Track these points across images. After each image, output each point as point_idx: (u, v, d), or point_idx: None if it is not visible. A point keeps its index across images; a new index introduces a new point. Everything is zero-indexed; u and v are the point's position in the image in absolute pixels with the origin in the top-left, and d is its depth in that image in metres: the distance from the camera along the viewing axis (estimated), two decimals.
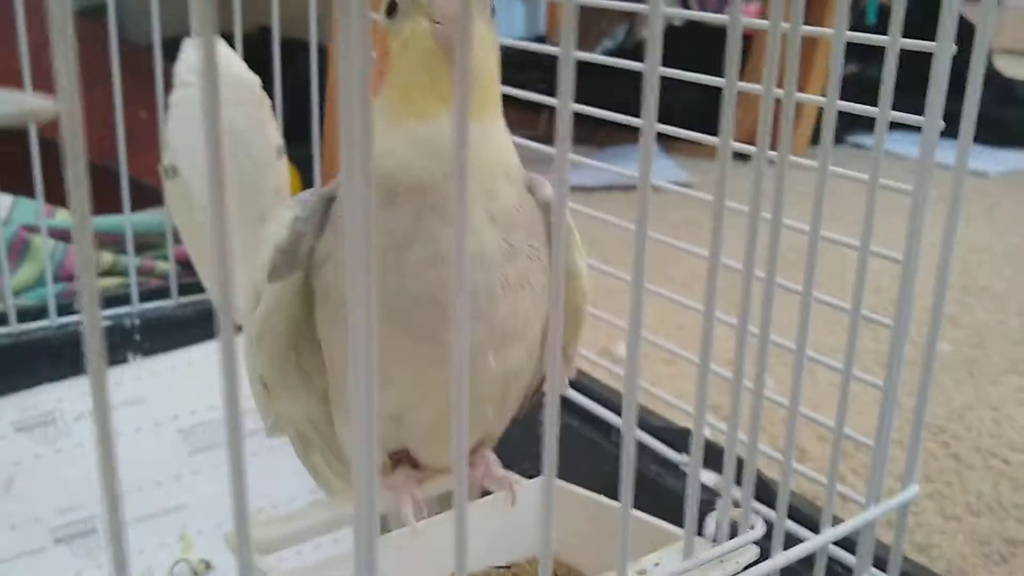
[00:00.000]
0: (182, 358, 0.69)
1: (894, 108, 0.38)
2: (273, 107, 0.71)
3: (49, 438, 0.62)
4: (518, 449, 0.45)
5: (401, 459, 0.41)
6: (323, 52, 0.77)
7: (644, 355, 0.98)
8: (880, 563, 0.44)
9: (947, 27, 0.38)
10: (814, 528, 0.45)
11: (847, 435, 0.44)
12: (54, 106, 0.17)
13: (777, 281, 0.34)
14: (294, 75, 0.73)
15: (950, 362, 1.00)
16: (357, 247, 0.22)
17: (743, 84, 0.40)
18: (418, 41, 0.35)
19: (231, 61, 0.67)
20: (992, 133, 1.94)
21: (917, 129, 0.39)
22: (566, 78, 0.25)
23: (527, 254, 0.37)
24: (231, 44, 0.69)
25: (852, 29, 0.37)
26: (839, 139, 1.87)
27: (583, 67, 0.43)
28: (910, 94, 0.43)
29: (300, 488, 0.61)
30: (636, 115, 0.51)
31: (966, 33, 0.35)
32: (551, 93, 0.61)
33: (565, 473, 0.53)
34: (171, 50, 0.71)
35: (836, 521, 0.40)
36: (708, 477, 0.56)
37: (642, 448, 0.54)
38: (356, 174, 0.21)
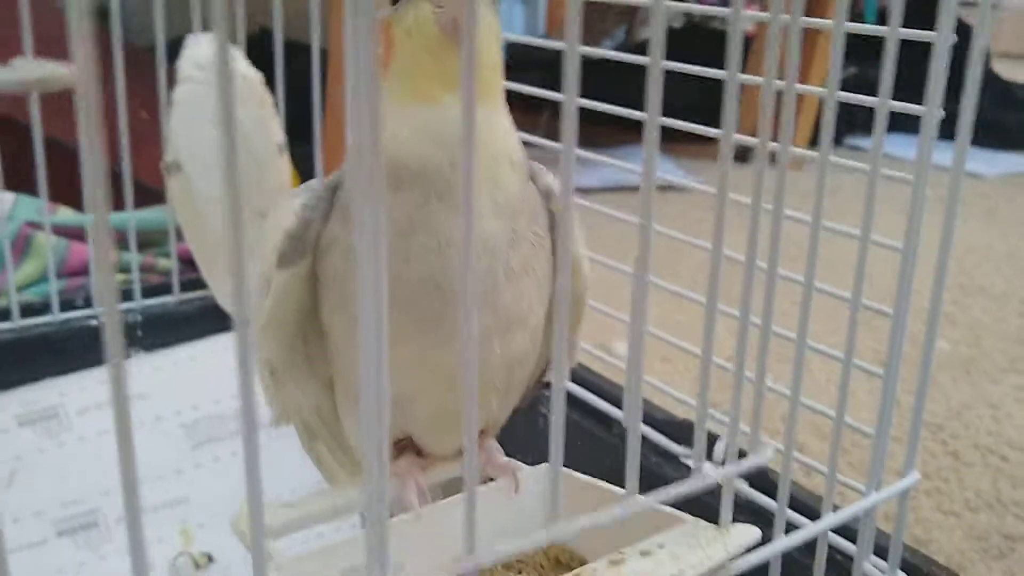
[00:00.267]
0: (184, 353, 0.69)
1: (892, 117, 0.38)
2: (275, 106, 0.71)
3: (52, 432, 0.62)
4: (520, 440, 0.46)
5: (405, 446, 0.41)
6: (322, 54, 0.78)
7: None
8: (880, 552, 0.44)
9: (946, 18, 0.38)
10: (814, 517, 0.45)
11: (847, 423, 0.44)
12: (70, 72, 0.17)
13: (778, 272, 0.35)
14: (293, 76, 0.73)
15: (948, 361, 1.00)
16: (367, 230, 0.22)
17: (743, 76, 0.41)
18: (421, 26, 0.35)
19: (235, 57, 0.68)
20: (989, 135, 1.95)
21: (915, 131, 0.39)
22: (571, 69, 0.25)
23: (531, 241, 0.38)
24: (255, 44, 0.70)
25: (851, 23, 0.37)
26: (837, 141, 1.88)
27: (583, 68, 0.43)
28: (909, 95, 0.44)
29: (301, 481, 0.61)
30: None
31: (963, 35, 0.36)
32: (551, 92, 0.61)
33: (567, 465, 0.54)
34: (172, 53, 0.72)
35: (836, 510, 0.40)
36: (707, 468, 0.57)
37: (643, 440, 0.55)
38: (365, 154, 0.22)
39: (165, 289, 0.72)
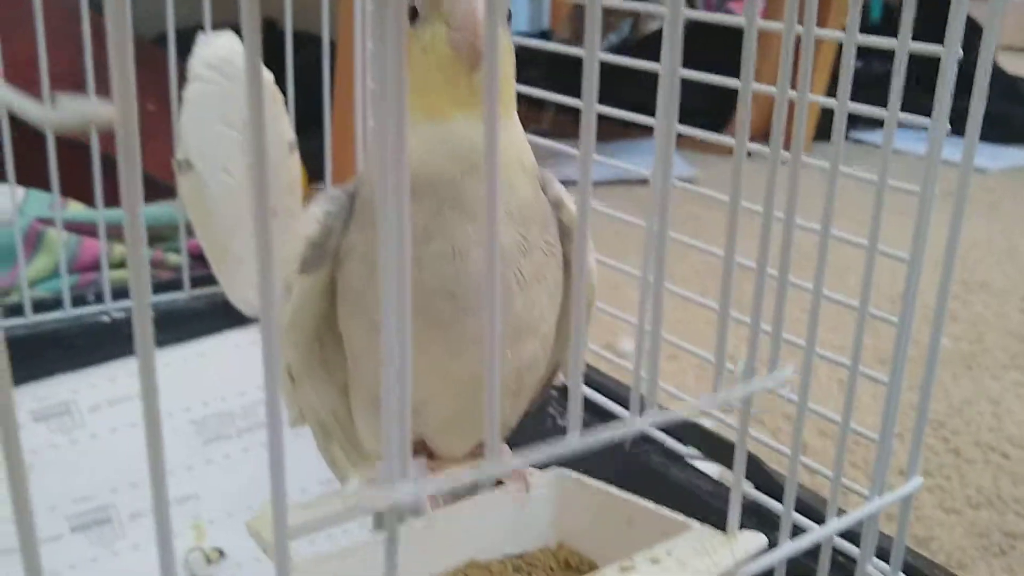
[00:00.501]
0: (194, 350, 0.70)
1: (903, 107, 0.38)
2: (285, 104, 0.72)
3: (65, 428, 0.63)
4: (528, 441, 0.46)
5: (416, 449, 0.42)
6: (331, 47, 0.78)
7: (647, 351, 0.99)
8: (882, 554, 0.45)
9: (955, 31, 0.38)
10: (817, 519, 0.46)
11: (852, 429, 0.45)
12: (111, 112, 0.18)
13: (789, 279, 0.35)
14: (300, 67, 0.74)
15: (949, 357, 1.01)
16: (390, 239, 0.23)
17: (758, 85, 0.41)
18: (437, 47, 0.36)
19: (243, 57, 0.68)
20: (993, 129, 1.95)
21: (917, 125, 0.40)
22: (590, 80, 0.25)
23: (542, 249, 0.38)
24: (239, 36, 0.70)
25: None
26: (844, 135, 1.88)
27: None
28: (916, 91, 0.44)
29: (309, 479, 0.62)
30: (642, 110, 0.51)
31: (973, 33, 0.36)
32: (555, 88, 0.62)
33: (572, 466, 0.54)
34: (180, 43, 0.72)
35: (840, 513, 0.41)
36: (712, 469, 0.57)
37: (648, 440, 0.56)
38: (390, 169, 0.22)
39: (176, 285, 0.72)
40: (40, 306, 0.68)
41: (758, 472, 0.51)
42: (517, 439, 0.45)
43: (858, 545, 0.43)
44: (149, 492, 0.23)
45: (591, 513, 0.40)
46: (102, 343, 0.68)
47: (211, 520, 0.62)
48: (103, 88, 0.20)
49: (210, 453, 0.65)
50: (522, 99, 0.44)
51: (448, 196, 0.36)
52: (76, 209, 0.83)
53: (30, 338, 0.67)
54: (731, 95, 0.39)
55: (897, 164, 0.42)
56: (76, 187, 0.81)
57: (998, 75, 2.25)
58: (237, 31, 0.70)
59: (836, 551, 0.46)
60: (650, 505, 0.38)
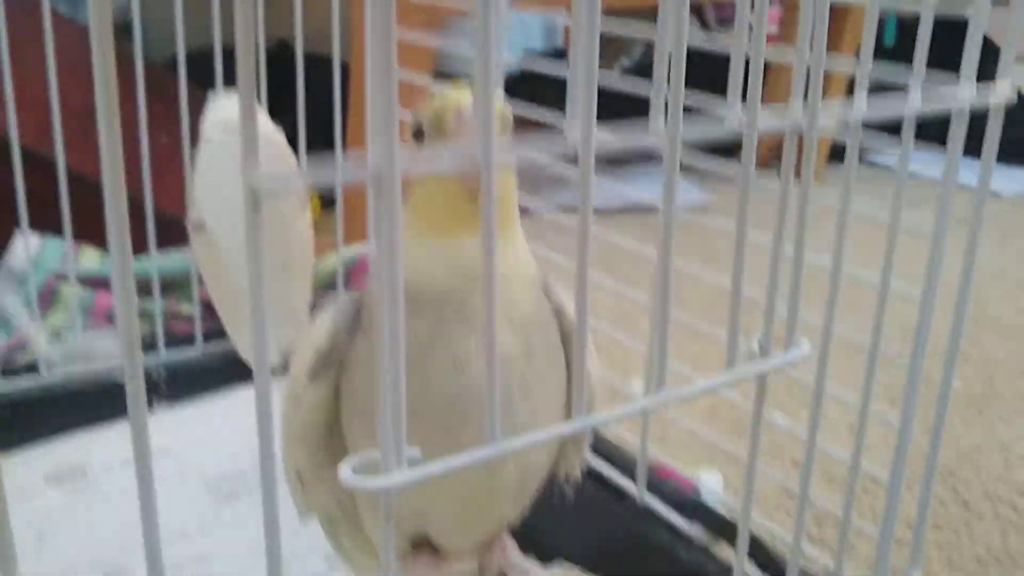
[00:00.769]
0: (206, 407, 0.71)
1: (917, 127, 0.37)
2: (295, 122, 0.72)
3: (79, 489, 0.64)
4: (534, 529, 0.47)
5: (421, 544, 0.43)
6: (344, 68, 0.78)
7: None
8: None
9: (968, 73, 0.37)
10: None
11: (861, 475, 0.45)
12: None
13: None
14: (312, 89, 0.74)
15: (959, 400, 1.01)
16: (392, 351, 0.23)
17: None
18: (438, 176, 0.36)
19: (259, 117, 0.69)
20: (1008, 152, 1.94)
21: (939, 149, 0.38)
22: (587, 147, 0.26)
23: (545, 354, 0.39)
24: (272, 57, 0.70)
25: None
26: (859, 158, 1.87)
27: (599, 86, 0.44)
28: (946, 53, 0.42)
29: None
30: None
31: (989, 53, 0.36)
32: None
33: (576, 538, 0.55)
34: (192, 66, 0.72)
35: None
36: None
37: (652, 516, 0.56)
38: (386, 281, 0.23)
39: (188, 340, 0.73)
40: (55, 363, 0.69)
41: (760, 551, 0.51)
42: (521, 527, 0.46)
43: None
44: (163, 554, 0.24)
45: None
46: (116, 399, 0.69)
47: None
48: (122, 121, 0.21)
49: (223, 512, 0.66)
50: (534, 119, 0.44)
51: (451, 309, 0.37)
52: (91, 256, 0.84)
53: (45, 396, 0.68)
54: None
55: (913, 189, 0.41)
56: (91, 228, 0.82)
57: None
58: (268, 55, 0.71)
59: None
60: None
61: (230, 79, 0.69)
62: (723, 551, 0.55)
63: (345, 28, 0.78)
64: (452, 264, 0.37)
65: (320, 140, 0.76)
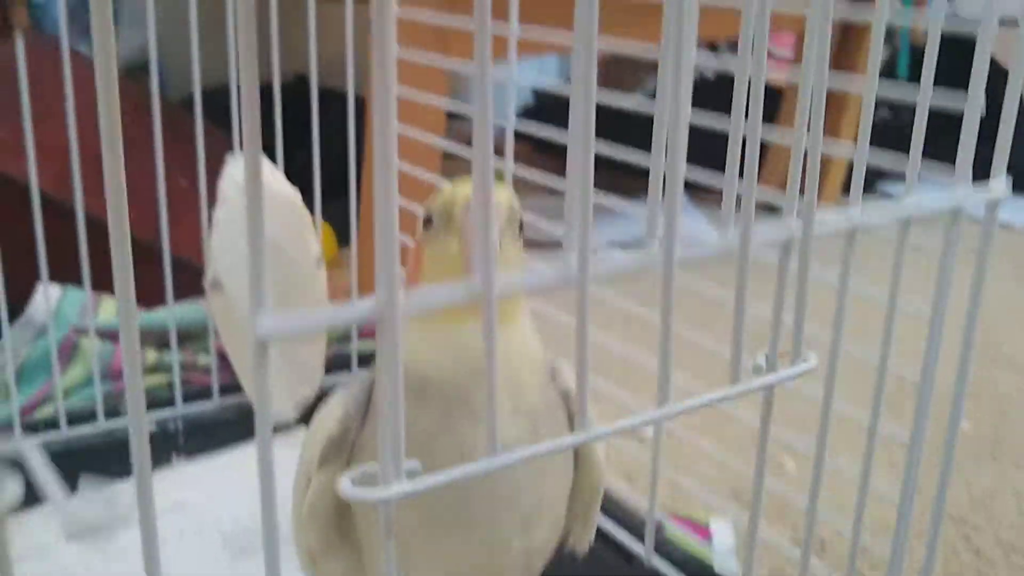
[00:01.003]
0: (223, 461, 0.72)
1: (930, 156, 0.37)
2: (311, 157, 0.72)
3: (98, 546, 0.65)
4: None
5: None
6: (360, 102, 0.78)
7: (667, 434, 1.00)
8: None
9: (963, 173, 0.38)
10: None
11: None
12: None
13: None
14: (329, 124, 0.75)
15: (971, 443, 1.01)
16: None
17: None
18: (448, 258, 0.37)
19: (273, 176, 0.70)
20: (1021, 180, 1.94)
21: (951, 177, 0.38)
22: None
23: (551, 439, 0.40)
24: (270, 94, 0.71)
25: (884, 76, 0.37)
26: (870, 188, 1.87)
27: (613, 115, 0.44)
28: (945, 139, 0.42)
29: None
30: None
31: (999, 77, 0.36)
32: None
33: None
34: (211, 103, 0.73)
35: None
36: None
37: None
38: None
39: (205, 394, 0.74)
40: (75, 418, 0.70)
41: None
42: None
43: None
44: None
45: None
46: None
47: None
48: (137, 163, 0.22)
49: (239, 568, 0.67)
50: (547, 148, 0.43)
51: (456, 399, 0.38)
52: (110, 307, 0.86)
53: (65, 452, 0.69)
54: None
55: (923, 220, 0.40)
56: (111, 278, 0.83)
57: None
58: (267, 90, 0.72)
59: None
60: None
61: (224, 117, 0.69)
62: None
63: (362, 62, 0.78)
64: (458, 354, 0.38)
65: (338, 172, 0.76)
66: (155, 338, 0.81)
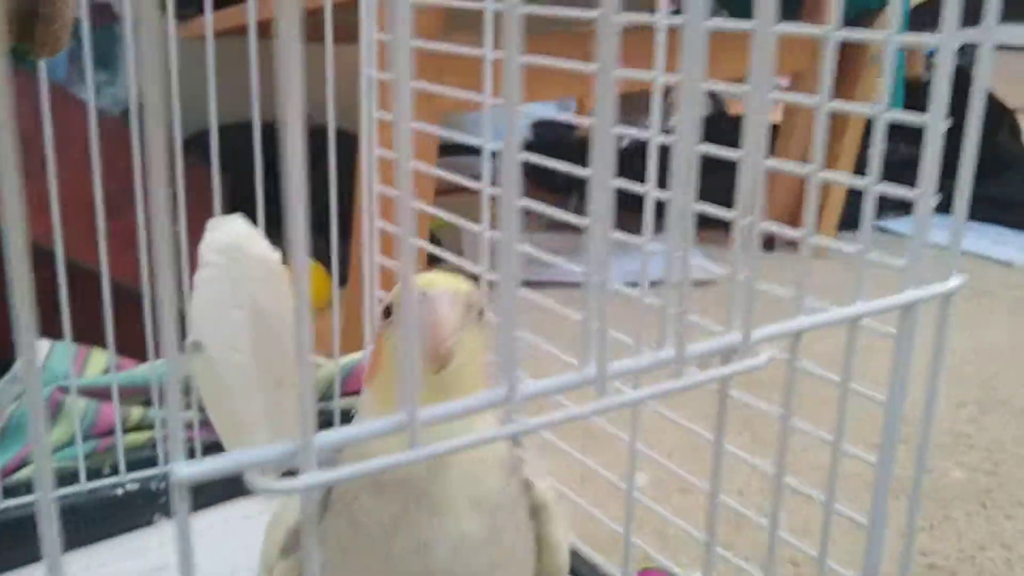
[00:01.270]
0: (205, 521, 0.72)
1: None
2: (320, 191, 0.72)
3: None
4: None
5: None
6: (353, 138, 0.78)
7: (659, 482, 1.00)
8: None
9: (914, 276, 0.38)
10: None
11: None
12: None
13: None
14: (325, 163, 0.75)
15: (963, 492, 1.00)
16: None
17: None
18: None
19: (253, 240, 0.71)
20: (1021, 217, 1.94)
21: (943, 211, 0.37)
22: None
23: (511, 531, 0.40)
24: (272, 131, 0.71)
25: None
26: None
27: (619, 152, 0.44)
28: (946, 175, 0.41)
29: None
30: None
31: (1000, 113, 0.36)
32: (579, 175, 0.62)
33: None
34: (194, 146, 0.72)
35: None
36: None
37: None
38: None
39: (187, 452, 0.75)
40: (57, 480, 0.70)
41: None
42: None
43: None
44: None
45: None
46: (117, 516, 0.71)
47: None
48: (135, 210, 0.21)
49: None
50: (547, 183, 0.44)
51: (415, 492, 0.38)
52: (99, 360, 0.86)
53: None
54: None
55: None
56: (102, 334, 0.83)
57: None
58: (269, 128, 0.71)
59: None
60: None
61: (228, 157, 0.69)
62: None
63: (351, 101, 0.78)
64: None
65: (340, 206, 0.76)
66: (142, 395, 0.81)
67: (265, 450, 0.24)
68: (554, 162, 0.61)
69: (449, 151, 1.79)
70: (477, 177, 0.67)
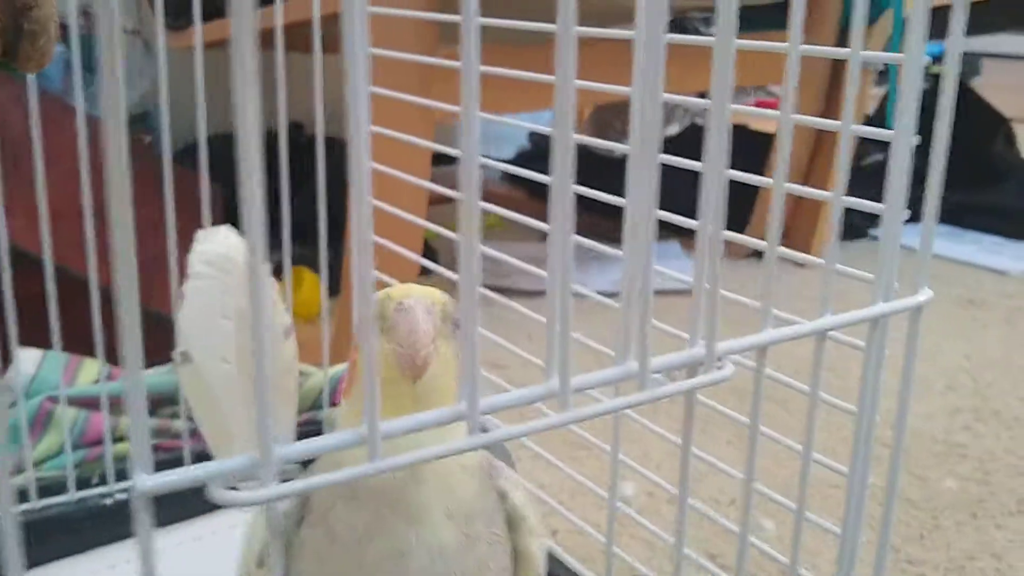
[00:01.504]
0: (189, 532, 0.72)
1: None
2: (306, 201, 0.71)
3: None
4: None
5: None
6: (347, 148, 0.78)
7: (649, 494, 1.00)
8: None
9: (884, 284, 0.38)
10: None
11: None
12: None
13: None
14: (328, 171, 0.75)
15: (955, 502, 1.01)
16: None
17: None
18: (384, 361, 0.38)
19: (242, 251, 0.71)
20: (1015, 227, 1.94)
21: (944, 223, 0.37)
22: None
23: (487, 540, 0.40)
24: (273, 140, 0.72)
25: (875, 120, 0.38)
26: (860, 234, 1.89)
27: (600, 162, 0.45)
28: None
29: None
30: (667, 208, 0.50)
31: (995, 122, 0.36)
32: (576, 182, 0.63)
33: None
34: (188, 157, 0.72)
35: None
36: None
37: None
38: None
39: (177, 463, 0.75)
40: (46, 490, 0.71)
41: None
42: None
43: None
44: None
45: None
46: (104, 526, 0.71)
47: None
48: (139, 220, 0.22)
49: None
50: (539, 193, 0.44)
51: (390, 501, 0.38)
52: (91, 370, 0.87)
53: (35, 523, 0.69)
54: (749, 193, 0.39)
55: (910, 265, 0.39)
56: (92, 343, 0.83)
57: (1020, 167, 2.25)
58: (264, 138, 0.72)
59: None
60: None
61: (221, 168, 0.68)
62: None
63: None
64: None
65: (331, 218, 0.76)
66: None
67: (226, 462, 0.24)
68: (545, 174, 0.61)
69: (443, 161, 1.80)
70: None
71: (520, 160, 2.35)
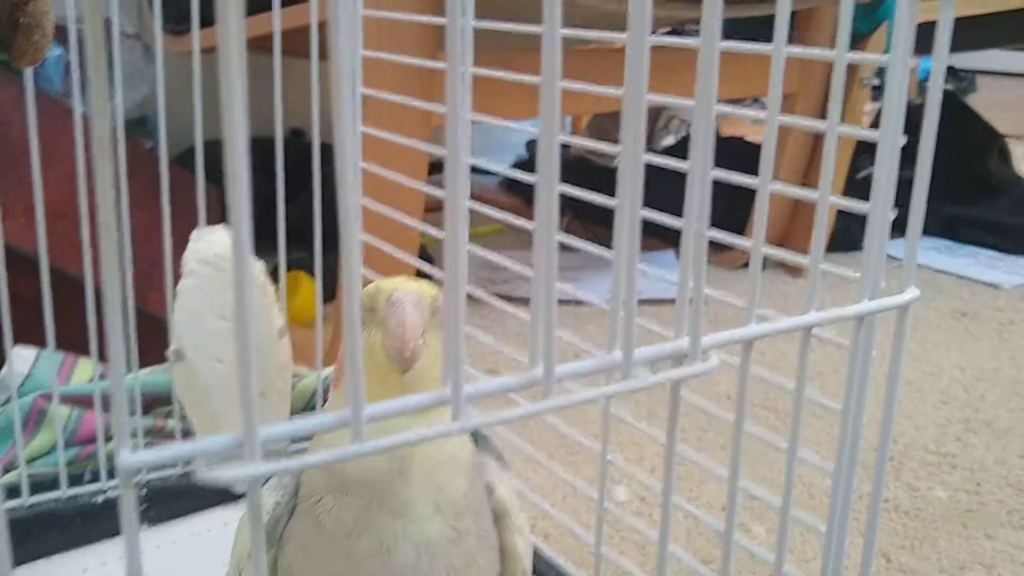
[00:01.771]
0: (186, 529, 0.72)
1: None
2: (306, 207, 0.72)
3: None
4: None
5: None
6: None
7: (641, 499, 1.00)
8: None
9: (871, 282, 0.38)
10: None
11: None
12: None
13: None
14: (326, 179, 0.75)
15: (945, 512, 1.01)
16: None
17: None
18: (373, 351, 0.38)
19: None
20: (1010, 241, 1.95)
21: (930, 233, 0.37)
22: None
23: (475, 535, 0.41)
24: (270, 147, 0.72)
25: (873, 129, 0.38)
26: (854, 246, 1.89)
27: (607, 173, 0.45)
28: (939, 199, 0.41)
29: None
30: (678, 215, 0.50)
31: (988, 136, 0.37)
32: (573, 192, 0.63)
33: None
34: (188, 160, 0.72)
35: None
36: None
37: None
38: None
39: (169, 462, 0.75)
40: (38, 487, 0.71)
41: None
42: None
43: None
44: None
45: None
46: (96, 523, 0.71)
47: None
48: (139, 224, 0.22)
49: None
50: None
51: (378, 493, 0.39)
52: (86, 369, 0.87)
53: (27, 520, 0.70)
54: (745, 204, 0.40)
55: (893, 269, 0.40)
56: (87, 343, 0.84)
57: (1016, 183, 2.26)
58: (263, 143, 0.72)
59: None
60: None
61: (219, 171, 0.70)
62: None
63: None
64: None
65: (332, 222, 0.77)
66: (130, 403, 0.82)
67: (210, 440, 0.24)
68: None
69: (442, 168, 1.80)
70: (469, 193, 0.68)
71: (518, 168, 2.35)
